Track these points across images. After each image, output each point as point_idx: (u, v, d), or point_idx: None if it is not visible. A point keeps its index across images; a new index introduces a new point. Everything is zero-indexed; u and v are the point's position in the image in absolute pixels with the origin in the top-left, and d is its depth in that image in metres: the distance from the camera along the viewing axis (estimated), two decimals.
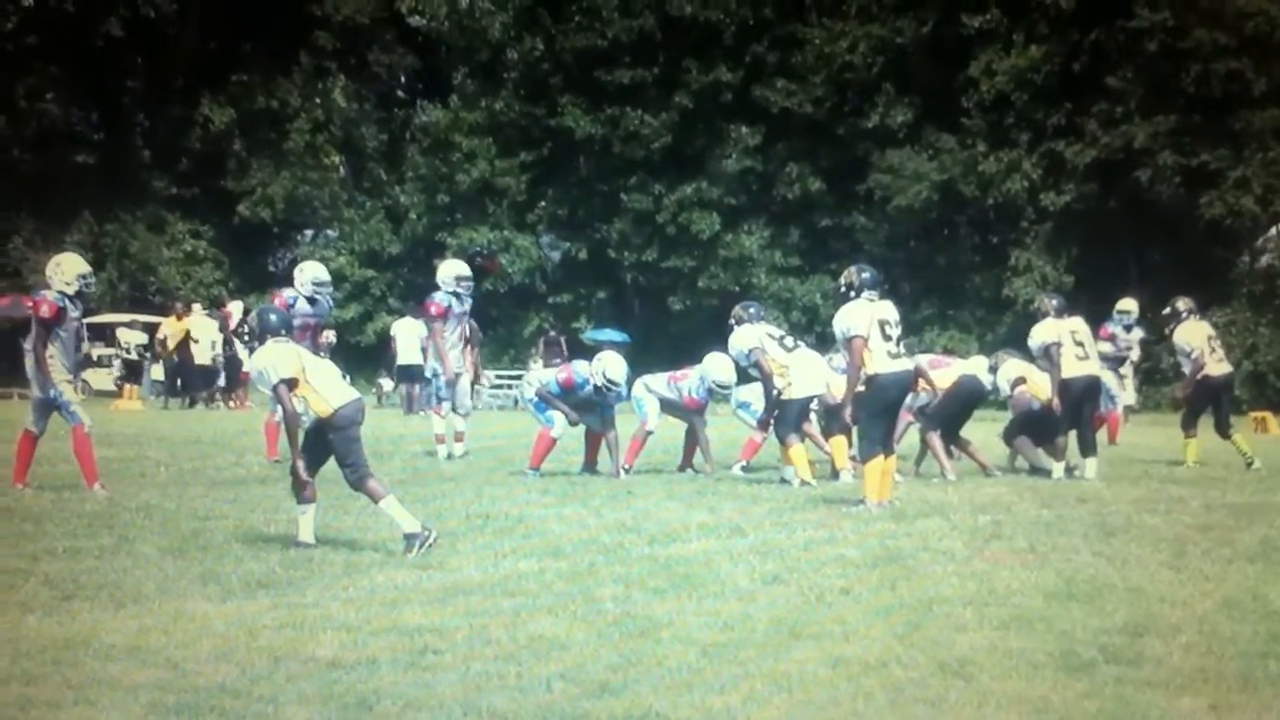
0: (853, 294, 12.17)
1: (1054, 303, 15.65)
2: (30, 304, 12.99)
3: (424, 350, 27.35)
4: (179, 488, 13.15)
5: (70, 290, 12.64)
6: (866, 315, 12.01)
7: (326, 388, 9.68)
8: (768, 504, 12.38)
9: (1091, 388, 15.39)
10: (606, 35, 38.90)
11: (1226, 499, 12.92)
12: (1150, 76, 33.19)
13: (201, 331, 31.21)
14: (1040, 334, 15.23)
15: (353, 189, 45.51)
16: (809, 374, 14.41)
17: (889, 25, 37.29)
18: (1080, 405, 15.11)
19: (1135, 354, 21.30)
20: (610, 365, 15.07)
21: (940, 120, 36.89)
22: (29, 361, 12.81)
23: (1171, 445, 17.77)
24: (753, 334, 14.64)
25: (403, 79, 50.62)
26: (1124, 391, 20.79)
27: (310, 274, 16.42)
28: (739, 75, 38.83)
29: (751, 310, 15.16)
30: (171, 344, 31.33)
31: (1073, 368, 15.01)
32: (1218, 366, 16.96)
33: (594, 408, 15.11)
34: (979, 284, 36.21)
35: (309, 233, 46.64)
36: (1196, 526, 10.76)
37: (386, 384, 33.29)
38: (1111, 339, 20.27)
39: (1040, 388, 15.38)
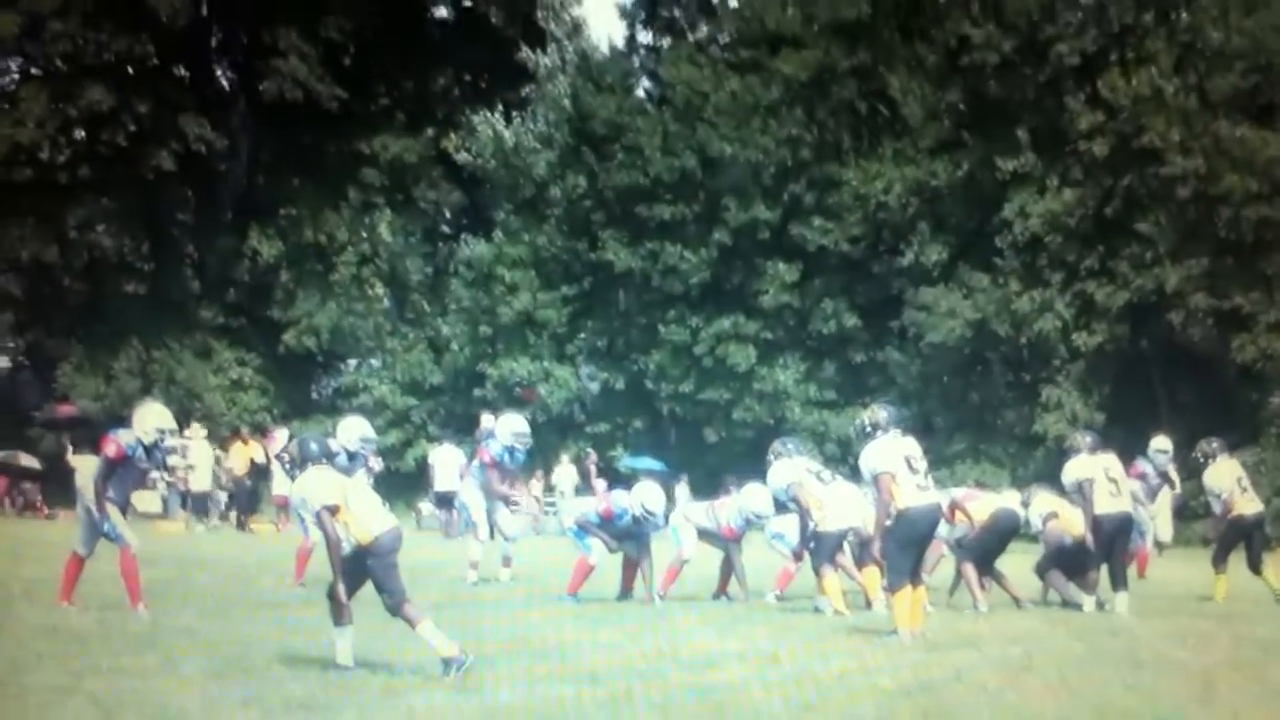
0: (878, 432, 12.46)
1: (1087, 440, 15.86)
2: (103, 439, 13.39)
3: (461, 478, 27.94)
4: (222, 610, 13.32)
5: (146, 440, 13.07)
6: (892, 452, 12.29)
7: (367, 515, 9.92)
8: (802, 633, 12.53)
9: (1124, 525, 15.52)
10: (648, 173, 39.52)
11: (1256, 634, 12.99)
12: (1182, 221, 33.43)
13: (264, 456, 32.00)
14: (1074, 470, 15.41)
15: (396, 320, 46.00)
16: (844, 507, 14.65)
17: (924, 168, 37.77)
18: (1113, 541, 15.24)
19: (1176, 490, 21.30)
20: (648, 496, 15.37)
21: (974, 259, 37.21)
22: (78, 479, 13.26)
23: (1202, 580, 17.81)
24: (791, 469, 14.91)
25: (448, 214, 51.28)
26: (1159, 526, 20.87)
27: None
28: (777, 213, 39.32)
29: (789, 446, 15.45)
30: (240, 469, 31.86)
31: (1106, 504, 15.15)
32: (1249, 505, 17.09)
33: (631, 535, 15.36)
34: (1011, 420, 36.28)
35: (352, 362, 47.06)
36: (1226, 662, 10.83)
37: (426, 508, 33.64)
38: (1142, 477, 20.35)
39: (1072, 523, 15.53)
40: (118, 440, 13.00)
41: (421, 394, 42.97)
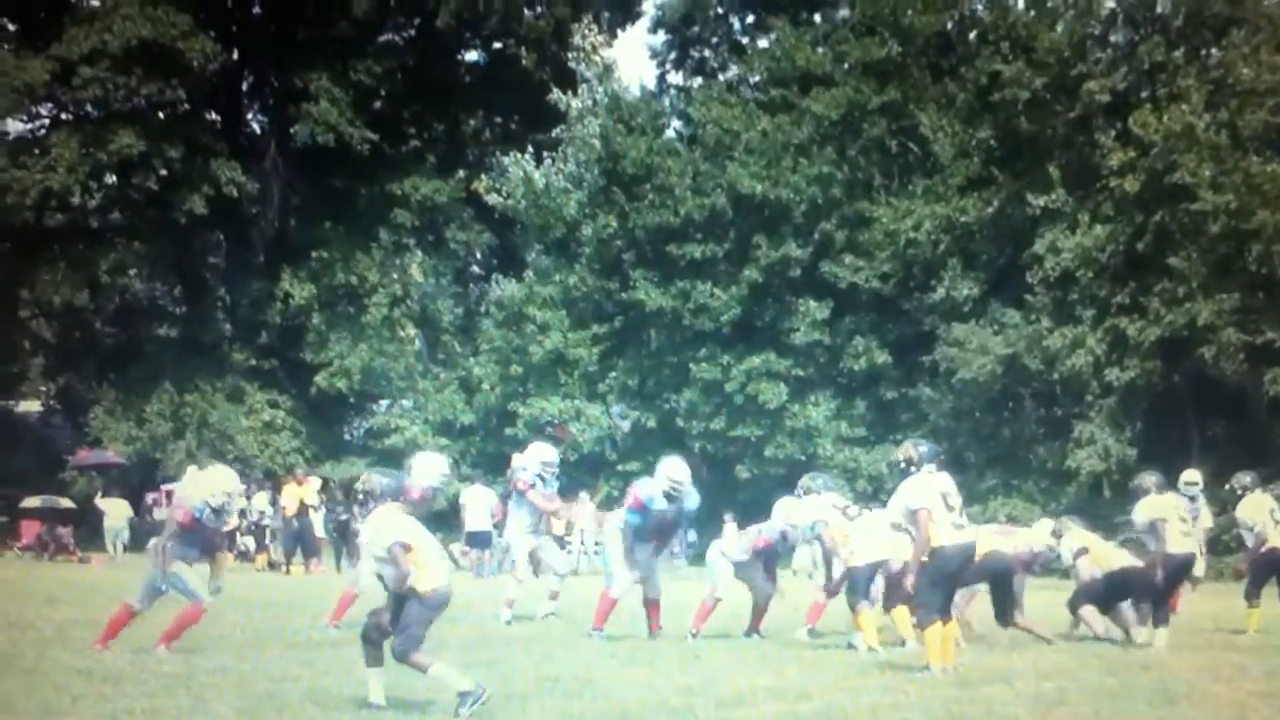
0: (913, 469, 12.46)
1: (1154, 479, 15.85)
2: (175, 506, 13.77)
3: (492, 517, 28.08)
4: (254, 649, 13.37)
5: (214, 503, 13.24)
6: (929, 488, 12.29)
7: (433, 563, 9.98)
8: (833, 669, 12.52)
9: (1190, 564, 15.56)
10: (679, 212, 39.63)
11: None
12: (1213, 256, 33.35)
13: (315, 499, 32.22)
14: (1147, 510, 15.41)
15: (428, 360, 46.19)
16: (874, 541, 14.63)
17: (955, 204, 37.81)
18: (1178, 579, 15.31)
19: (1208, 523, 21.26)
20: (670, 468, 15.36)
21: (1005, 296, 37.19)
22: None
23: (1234, 613, 17.76)
24: (818, 507, 14.94)
25: (479, 255, 51.60)
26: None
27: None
28: (807, 251, 39.39)
29: (819, 481, 15.47)
30: (290, 509, 32.13)
31: (1179, 544, 15.22)
32: None
33: (671, 526, 15.39)
34: (1043, 455, 36.16)
35: (384, 403, 47.26)
36: (1259, 694, 10.81)
37: (457, 549, 33.67)
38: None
39: (1103, 558, 15.53)
40: (185, 505, 13.25)
41: (453, 434, 43.06)
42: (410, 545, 9.86)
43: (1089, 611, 15.73)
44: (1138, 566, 15.45)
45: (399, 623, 9.80)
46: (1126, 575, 15.44)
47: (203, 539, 13.34)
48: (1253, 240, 32.43)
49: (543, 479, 17.60)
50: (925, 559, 12.26)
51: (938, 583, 12.21)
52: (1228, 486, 17.83)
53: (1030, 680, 11.61)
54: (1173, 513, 15.31)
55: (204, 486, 13.32)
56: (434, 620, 9.87)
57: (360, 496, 10.68)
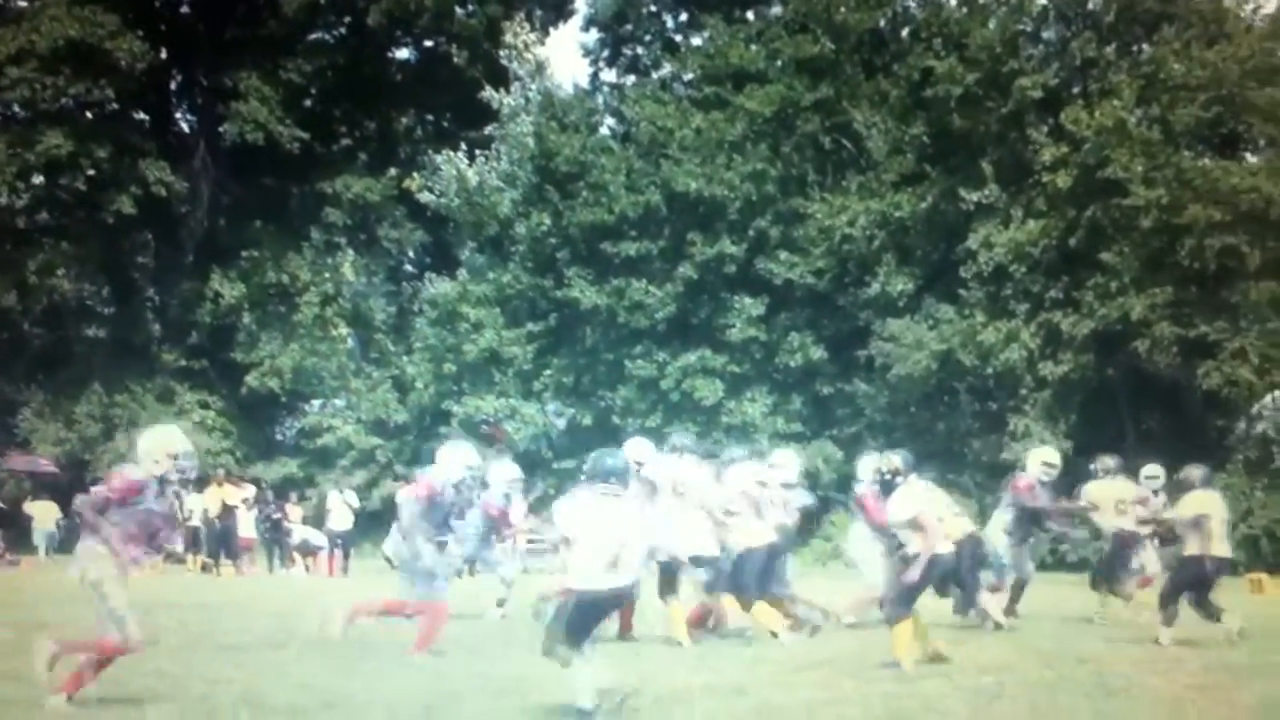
0: (899, 479, 12.53)
1: (1199, 474, 15.83)
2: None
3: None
4: (188, 652, 13.21)
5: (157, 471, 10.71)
6: (922, 495, 12.58)
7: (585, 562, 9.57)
8: (770, 665, 12.44)
9: (1225, 564, 15.49)
10: (613, 210, 39.54)
11: (1226, 659, 12.98)
12: (1146, 251, 33.53)
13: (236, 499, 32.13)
14: (1191, 505, 15.34)
15: (360, 359, 45.91)
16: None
17: (889, 200, 37.90)
18: (1218, 577, 15.24)
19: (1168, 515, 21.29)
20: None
21: (940, 291, 37.30)
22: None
23: None
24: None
25: (411, 253, 51.33)
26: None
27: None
28: (742, 248, 39.38)
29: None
30: (213, 510, 31.81)
31: (1221, 544, 15.17)
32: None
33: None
34: (978, 449, 36.30)
35: (317, 403, 46.94)
36: (1195, 686, 10.83)
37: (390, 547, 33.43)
38: (1143, 503, 20.48)
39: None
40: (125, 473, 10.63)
41: (386, 433, 42.84)
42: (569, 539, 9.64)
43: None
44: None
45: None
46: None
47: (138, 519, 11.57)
48: (1185, 235, 32.64)
49: (508, 496, 17.56)
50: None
51: (920, 586, 12.30)
52: (1091, 468, 18.51)
53: (969, 674, 11.59)
54: (1218, 510, 15.28)
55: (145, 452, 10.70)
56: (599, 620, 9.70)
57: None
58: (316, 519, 35.42)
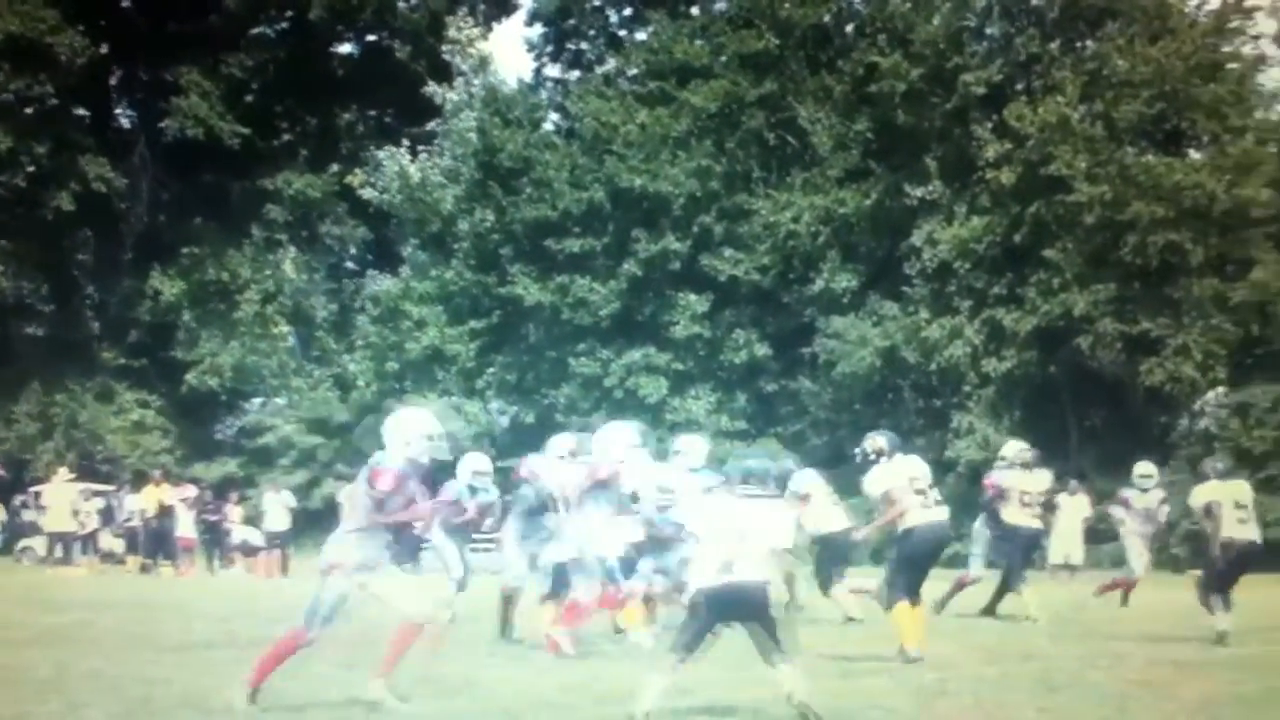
0: (882, 458, 12.57)
1: (1220, 465, 15.83)
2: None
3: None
4: (127, 653, 13.02)
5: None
6: (898, 473, 12.61)
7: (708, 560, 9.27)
8: (719, 664, 12.35)
9: (1253, 551, 15.43)
10: (557, 206, 39.45)
11: (1170, 654, 13.00)
12: (1089, 247, 33.74)
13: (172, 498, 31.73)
14: (1202, 495, 15.36)
15: (301, 357, 45.65)
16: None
17: (833, 196, 37.98)
18: (1240, 565, 15.19)
19: (1163, 516, 21.27)
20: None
21: (884, 288, 37.45)
22: None
23: (1113, 601, 17.90)
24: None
25: (353, 250, 51.09)
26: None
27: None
28: (687, 244, 39.37)
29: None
30: (149, 510, 31.49)
31: (1232, 529, 15.13)
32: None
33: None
34: (923, 446, 36.23)
35: (257, 401, 46.65)
36: (1139, 682, 10.82)
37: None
38: (1125, 503, 20.49)
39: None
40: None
41: (328, 432, 42.56)
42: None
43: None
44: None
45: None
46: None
47: None
48: (1128, 231, 32.84)
49: (473, 489, 17.33)
50: (898, 540, 12.61)
51: (906, 563, 12.34)
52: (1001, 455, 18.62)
53: (912, 671, 11.53)
54: (1228, 497, 15.28)
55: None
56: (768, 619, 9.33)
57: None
58: (255, 519, 35.13)
